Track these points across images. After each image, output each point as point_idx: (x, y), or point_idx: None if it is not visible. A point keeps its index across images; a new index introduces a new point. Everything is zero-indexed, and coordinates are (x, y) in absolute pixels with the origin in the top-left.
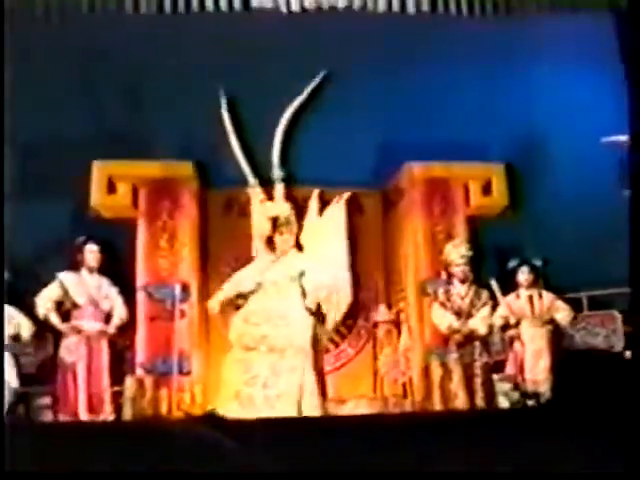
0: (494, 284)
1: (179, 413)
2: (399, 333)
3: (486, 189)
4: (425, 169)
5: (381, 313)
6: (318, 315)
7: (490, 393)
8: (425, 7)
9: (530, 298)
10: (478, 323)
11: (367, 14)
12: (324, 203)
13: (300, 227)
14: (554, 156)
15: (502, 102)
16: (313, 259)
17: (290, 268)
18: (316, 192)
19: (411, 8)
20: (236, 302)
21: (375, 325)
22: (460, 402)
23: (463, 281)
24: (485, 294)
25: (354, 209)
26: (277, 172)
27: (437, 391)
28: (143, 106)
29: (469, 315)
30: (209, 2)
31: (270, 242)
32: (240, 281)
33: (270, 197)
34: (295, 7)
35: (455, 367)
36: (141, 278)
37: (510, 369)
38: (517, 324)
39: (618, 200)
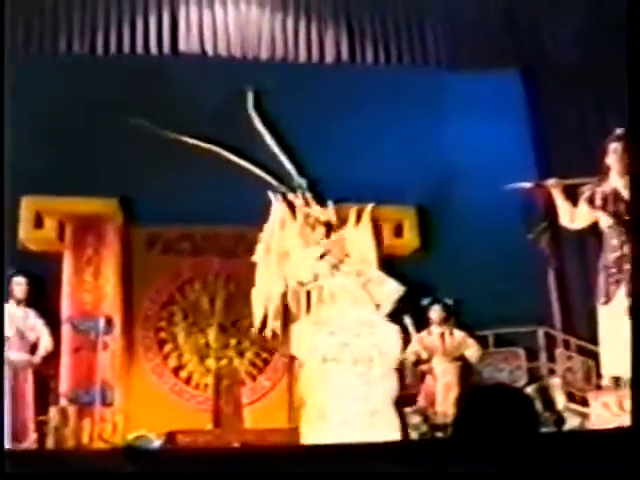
0: (408, 321)
1: (100, 443)
2: None
3: (398, 231)
4: (339, 210)
5: None
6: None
7: (401, 426)
8: (345, 56)
9: (442, 335)
10: None
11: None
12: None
13: None
14: (464, 201)
15: (416, 149)
16: (369, 267)
17: (357, 274)
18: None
19: (329, 57)
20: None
21: (291, 359)
22: None
23: None
24: None
25: None
26: (300, 181)
27: None
28: (69, 143)
29: None
30: (139, 45)
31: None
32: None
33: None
34: (222, 53)
35: None
36: (66, 310)
37: (422, 402)
38: (429, 359)
39: (523, 244)
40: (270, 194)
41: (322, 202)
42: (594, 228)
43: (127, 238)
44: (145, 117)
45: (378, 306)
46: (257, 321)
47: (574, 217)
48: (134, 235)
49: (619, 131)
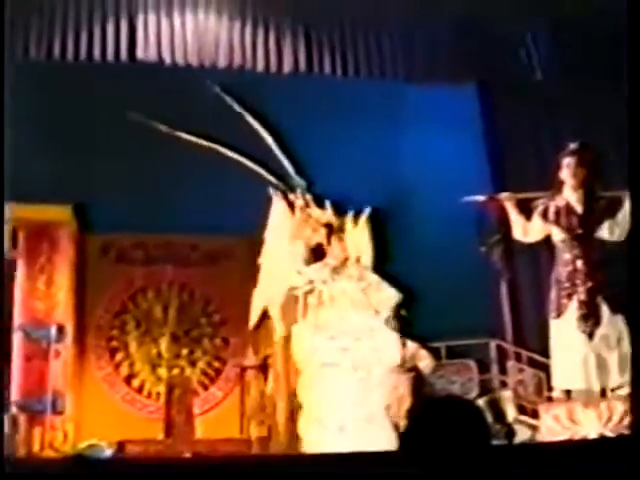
0: None
1: (51, 452)
2: (266, 378)
3: None
4: None
5: (249, 358)
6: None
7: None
8: (302, 66)
9: None
10: None
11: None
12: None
13: None
14: (418, 213)
15: (372, 159)
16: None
17: (357, 278)
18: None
19: (287, 67)
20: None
21: (243, 369)
22: None
23: None
24: None
25: (225, 255)
26: (300, 181)
27: None
28: (22, 149)
29: None
30: (96, 51)
31: (317, 250)
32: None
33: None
34: (180, 60)
35: None
36: (18, 318)
37: None
38: None
39: (476, 256)
40: (271, 192)
41: (321, 204)
42: (547, 242)
43: (81, 246)
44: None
45: (377, 312)
46: (252, 322)
47: (527, 231)
48: (88, 243)
49: (573, 145)
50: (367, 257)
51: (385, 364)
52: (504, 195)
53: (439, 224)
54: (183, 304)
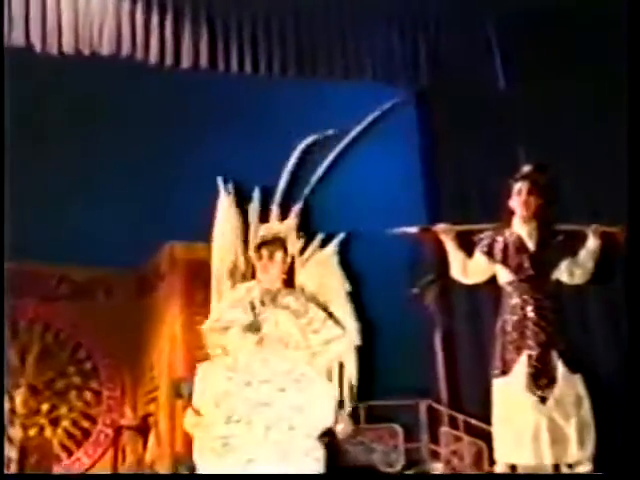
0: None
1: None
2: (145, 440)
3: None
4: (187, 250)
5: (126, 416)
6: None
7: None
8: (204, 61)
9: None
10: None
11: None
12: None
13: None
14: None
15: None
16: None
17: (296, 312)
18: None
19: (186, 61)
20: None
21: (118, 430)
22: None
23: None
24: None
25: (102, 291)
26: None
27: None
28: None
29: None
30: None
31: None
32: None
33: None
34: (52, 49)
35: None
36: None
37: None
38: None
39: (407, 299)
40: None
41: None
42: (492, 284)
43: None
44: None
45: (314, 355)
46: None
47: (468, 270)
48: None
49: (526, 168)
50: (326, 288)
51: (312, 426)
52: (441, 227)
53: (360, 260)
54: (46, 348)
